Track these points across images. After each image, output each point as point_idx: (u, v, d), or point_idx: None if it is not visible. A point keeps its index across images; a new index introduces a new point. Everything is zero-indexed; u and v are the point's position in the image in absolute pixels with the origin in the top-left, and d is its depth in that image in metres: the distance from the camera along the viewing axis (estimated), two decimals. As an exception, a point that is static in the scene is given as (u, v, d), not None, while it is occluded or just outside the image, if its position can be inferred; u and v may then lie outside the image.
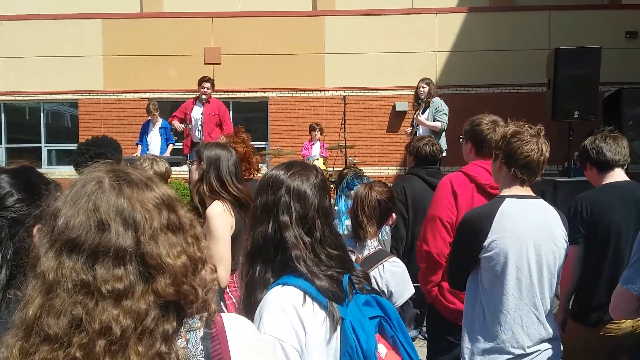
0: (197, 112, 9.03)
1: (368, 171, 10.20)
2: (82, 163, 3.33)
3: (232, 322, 1.19)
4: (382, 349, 1.66)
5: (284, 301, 1.61)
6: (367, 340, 1.60)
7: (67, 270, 1.04)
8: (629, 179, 3.27)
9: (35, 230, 1.58)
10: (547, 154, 2.59)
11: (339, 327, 1.62)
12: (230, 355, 1.13)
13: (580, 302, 3.30)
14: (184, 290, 1.11)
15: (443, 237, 3.19)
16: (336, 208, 4.45)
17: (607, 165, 3.24)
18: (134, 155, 9.60)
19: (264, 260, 1.71)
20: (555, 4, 14.12)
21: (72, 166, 3.74)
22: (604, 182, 3.27)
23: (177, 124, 9.17)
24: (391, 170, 13.88)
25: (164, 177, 3.94)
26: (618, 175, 3.25)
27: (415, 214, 4.48)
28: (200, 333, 1.13)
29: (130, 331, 1.03)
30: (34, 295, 1.05)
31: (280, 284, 1.65)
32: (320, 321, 1.62)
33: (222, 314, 1.19)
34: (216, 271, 1.24)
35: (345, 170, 5.86)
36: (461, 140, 3.48)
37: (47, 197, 1.65)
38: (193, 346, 1.11)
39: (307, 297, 1.62)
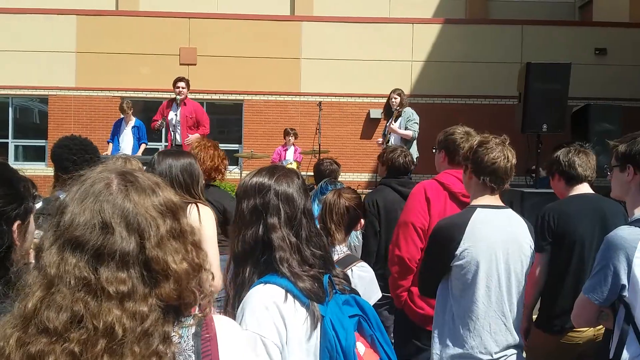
0: (173, 114, 8.86)
1: (341, 177, 10.26)
2: (71, 161, 3.23)
3: (223, 324, 1.23)
4: (360, 347, 1.71)
5: (266, 299, 1.65)
6: (346, 337, 1.64)
7: (70, 266, 1.06)
8: (593, 192, 3.37)
9: (15, 227, 1.56)
10: (514, 161, 2.67)
11: (319, 325, 1.66)
12: (219, 354, 1.16)
13: (544, 309, 3.37)
14: (185, 294, 1.14)
15: (415, 242, 3.23)
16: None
17: (577, 179, 3.33)
18: (105, 153, 9.47)
19: (253, 262, 1.76)
20: (528, 19, 14.44)
21: (39, 162, 3.62)
22: (570, 194, 3.36)
23: (157, 125, 8.95)
24: (364, 177, 13.98)
25: None
26: (584, 188, 3.35)
27: (387, 226, 4.49)
28: (192, 330, 1.16)
29: (130, 332, 1.05)
30: (35, 288, 1.06)
31: (262, 282, 1.69)
32: (301, 318, 1.66)
33: (213, 316, 1.23)
34: (214, 278, 1.28)
35: (323, 165, 5.83)
36: (434, 150, 3.55)
37: (26, 194, 1.64)
38: (185, 342, 1.15)
39: (289, 294, 1.66)
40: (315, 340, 1.66)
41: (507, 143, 2.68)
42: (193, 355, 1.14)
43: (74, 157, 3.25)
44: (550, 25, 14.36)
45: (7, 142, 14.37)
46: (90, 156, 3.36)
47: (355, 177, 13.73)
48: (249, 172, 1.99)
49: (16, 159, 14.35)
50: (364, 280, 2.98)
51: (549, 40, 13.83)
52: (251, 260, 1.75)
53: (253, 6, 14.46)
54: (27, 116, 15.37)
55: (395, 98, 8.57)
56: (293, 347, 1.65)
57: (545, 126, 7.92)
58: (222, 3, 14.81)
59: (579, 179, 3.33)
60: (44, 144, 14.20)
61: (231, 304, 1.74)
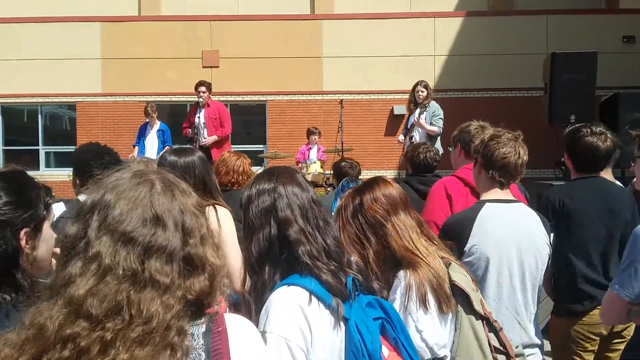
0: (197, 117, 9.17)
1: (365, 174, 10.22)
2: (101, 166, 3.24)
3: (234, 322, 1.25)
4: (384, 350, 1.68)
5: (290, 301, 1.64)
6: (372, 341, 1.62)
7: (121, 258, 1.12)
8: (601, 176, 3.30)
9: (22, 233, 1.59)
10: (526, 157, 2.62)
11: (343, 327, 1.65)
12: (230, 352, 1.18)
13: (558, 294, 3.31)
14: (215, 289, 1.21)
15: (438, 241, 3.19)
16: (333, 214, 4.43)
17: (587, 171, 3.27)
18: (131, 155, 9.63)
19: (272, 262, 1.73)
20: (553, 8, 14.16)
21: (70, 168, 3.68)
22: (578, 176, 3.32)
23: (189, 133, 9.32)
24: (388, 174, 13.87)
25: None
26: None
27: None
28: (203, 328, 1.19)
29: (161, 322, 1.10)
30: (89, 275, 1.11)
31: (286, 284, 1.67)
32: (325, 321, 1.64)
33: (224, 314, 1.25)
34: (228, 277, 1.32)
35: (343, 163, 5.82)
36: (449, 148, 3.55)
37: (36, 201, 1.66)
38: (195, 340, 1.17)
39: (313, 297, 1.65)
40: (340, 343, 1.64)
41: (520, 139, 2.64)
42: (203, 354, 1.16)
43: (102, 161, 3.30)
44: (575, 14, 14.06)
45: (38, 149, 14.69)
46: (116, 159, 3.43)
47: (380, 174, 13.64)
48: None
49: (47, 165, 14.67)
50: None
51: (575, 30, 13.55)
52: (269, 260, 1.73)
53: (273, 6, 14.49)
54: (56, 123, 15.67)
55: (422, 91, 8.20)
56: (317, 350, 1.63)
57: (573, 117, 7.78)
58: (242, 4, 14.87)
59: (589, 170, 3.28)
60: (73, 150, 14.44)
61: (254, 311, 1.71)
